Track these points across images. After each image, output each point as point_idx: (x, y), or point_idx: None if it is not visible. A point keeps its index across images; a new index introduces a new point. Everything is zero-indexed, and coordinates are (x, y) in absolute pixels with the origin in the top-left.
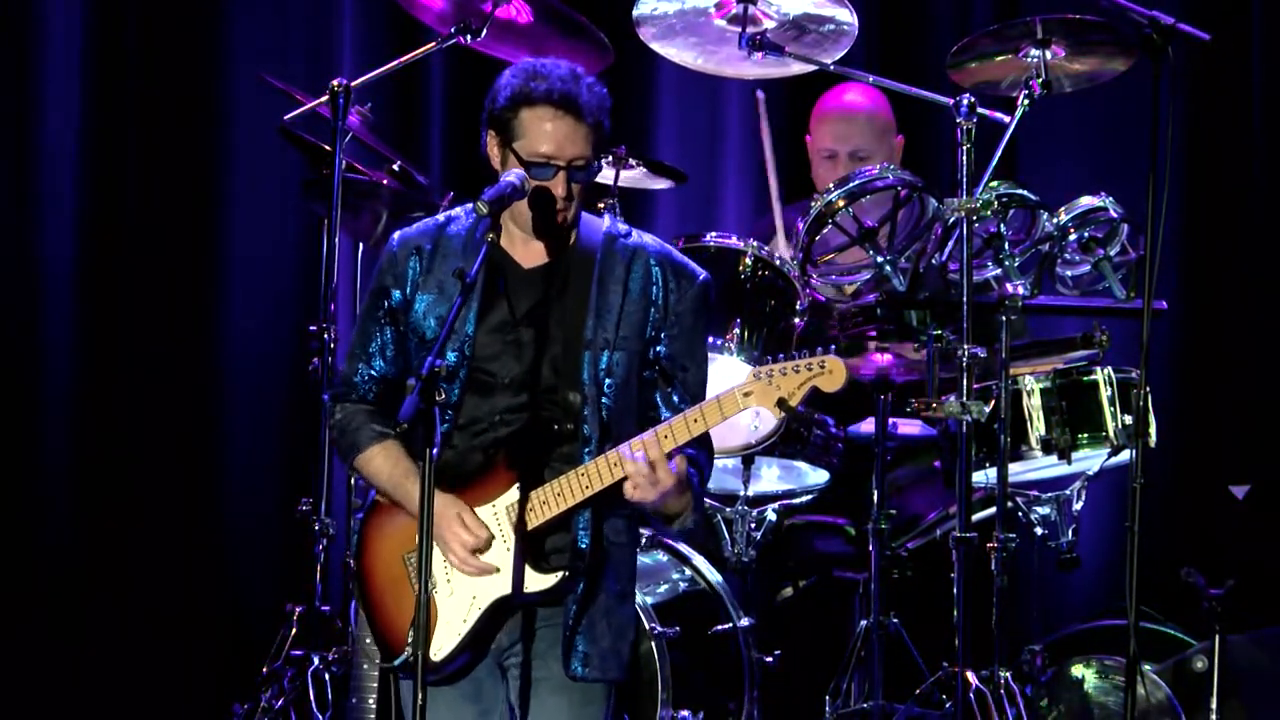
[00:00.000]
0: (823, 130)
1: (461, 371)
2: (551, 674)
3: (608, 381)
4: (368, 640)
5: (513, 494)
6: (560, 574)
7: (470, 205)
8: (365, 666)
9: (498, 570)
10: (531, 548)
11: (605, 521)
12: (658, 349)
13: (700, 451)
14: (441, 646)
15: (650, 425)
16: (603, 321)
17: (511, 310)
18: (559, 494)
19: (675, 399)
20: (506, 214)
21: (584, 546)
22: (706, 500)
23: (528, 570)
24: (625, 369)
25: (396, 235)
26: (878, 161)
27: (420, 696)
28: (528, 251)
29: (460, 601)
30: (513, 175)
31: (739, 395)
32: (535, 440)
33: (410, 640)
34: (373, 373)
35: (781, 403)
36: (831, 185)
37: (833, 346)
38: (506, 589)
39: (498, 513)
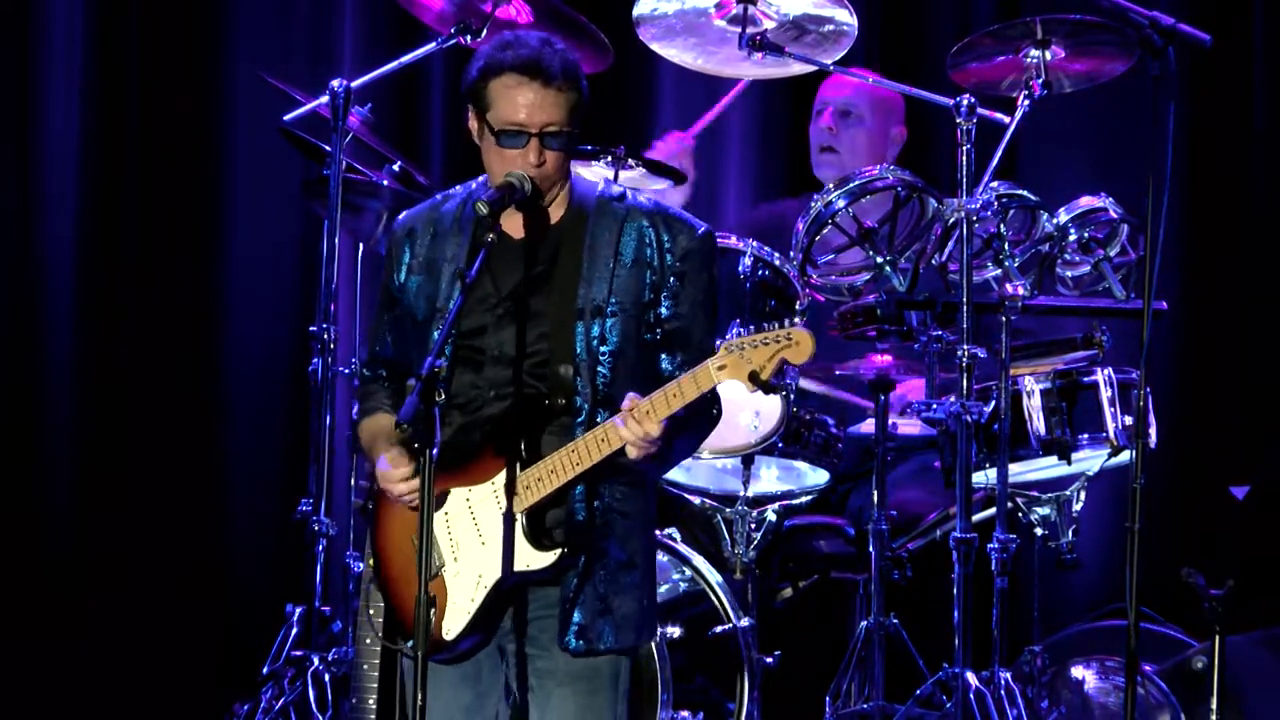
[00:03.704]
0: (822, 88)
1: (448, 347)
2: (557, 666)
3: (602, 350)
4: (367, 640)
5: (510, 472)
6: (559, 551)
7: (467, 183)
8: (365, 667)
9: (483, 540)
10: (532, 524)
11: (605, 490)
12: (658, 311)
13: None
14: (451, 627)
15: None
16: (594, 288)
17: (495, 283)
18: (551, 471)
19: (676, 362)
20: None
21: (580, 519)
22: (707, 500)
23: (527, 548)
24: (621, 336)
25: (401, 216)
26: (868, 130)
27: (420, 696)
28: (517, 223)
29: (467, 580)
30: (513, 177)
31: (713, 369)
32: (529, 415)
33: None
34: (382, 355)
35: (753, 376)
36: (831, 185)
37: (798, 319)
38: (508, 567)
39: (497, 490)
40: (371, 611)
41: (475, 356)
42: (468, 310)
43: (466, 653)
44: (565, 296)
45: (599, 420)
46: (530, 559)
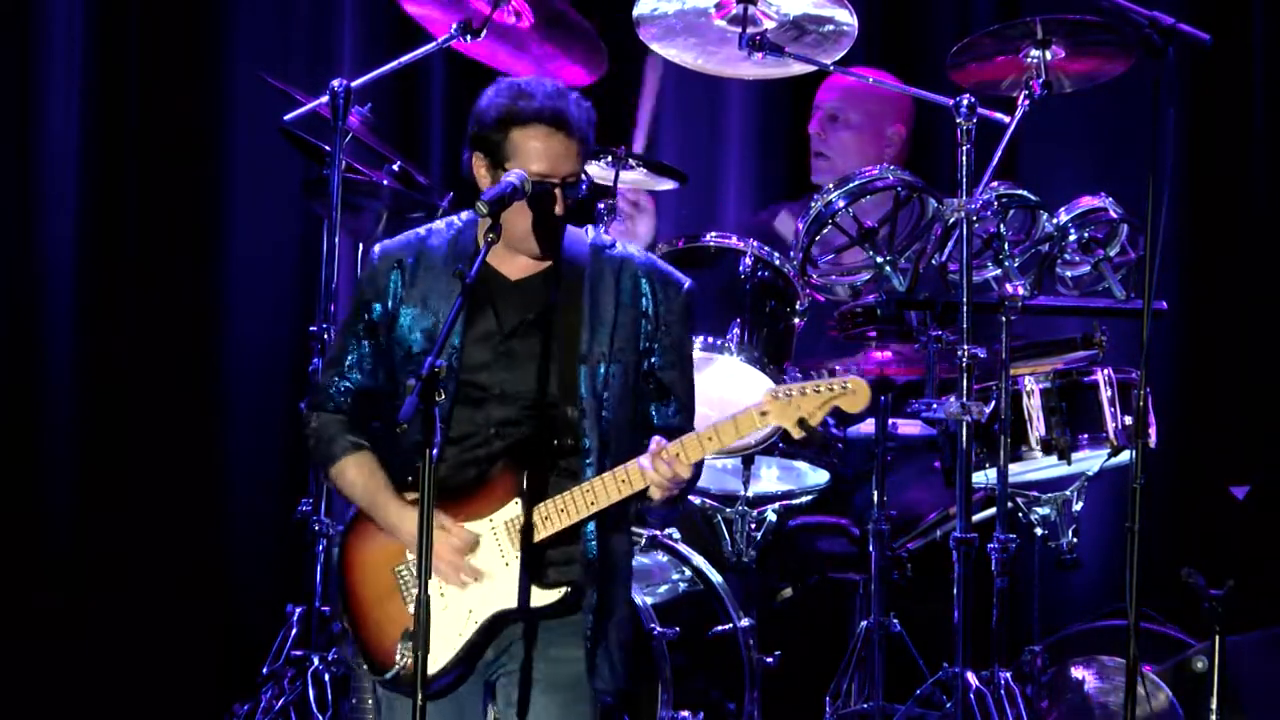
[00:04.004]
0: (817, 92)
1: (450, 384)
2: (540, 675)
3: (605, 394)
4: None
5: (511, 509)
6: (564, 589)
7: (449, 219)
8: (365, 667)
9: (477, 578)
10: (531, 561)
11: (614, 530)
12: (651, 360)
13: None
14: (436, 660)
15: (645, 437)
16: (598, 335)
17: (499, 321)
18: (562, 509)
19: (669, 411)
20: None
21: (593, 557)
22: (707, 500)
23: (530, 585)
24: (622, 382)
25: (377, 248)
26: (857, 132)
27: (419, 696)
28: (514, 264)
29: (455, 615)
30: (513, 175)
31: (756, 415)
32: (534, 454)
33: (400, 653)
34: (348, 384)
35: (802, 422)
36: (831, 185)
37: (854, 366)
38: (505, 603)
39: (495, 527)
40: None
41: (476, 394)
42: (471, 346)
43: (447, 687)
44: (569, 340)
45: (606, 462)
46: (534, 596)
